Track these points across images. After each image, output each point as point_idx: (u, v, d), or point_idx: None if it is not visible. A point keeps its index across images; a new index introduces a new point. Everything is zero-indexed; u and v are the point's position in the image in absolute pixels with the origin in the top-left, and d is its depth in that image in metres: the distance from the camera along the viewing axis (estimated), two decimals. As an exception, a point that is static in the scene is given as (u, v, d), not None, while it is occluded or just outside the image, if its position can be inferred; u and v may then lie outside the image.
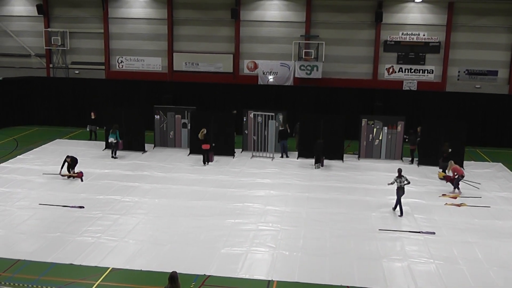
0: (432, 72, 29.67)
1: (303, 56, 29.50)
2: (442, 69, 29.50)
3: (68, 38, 31.31)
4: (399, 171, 16.53)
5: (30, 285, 11.58)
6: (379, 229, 15.12)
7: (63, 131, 28.27)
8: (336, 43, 29.80)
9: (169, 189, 18.39)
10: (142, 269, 12.38)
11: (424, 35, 29.34)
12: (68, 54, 31.97)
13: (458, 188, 18.73)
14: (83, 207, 16.33)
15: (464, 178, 19.01)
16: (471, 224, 15.80)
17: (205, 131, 21.66)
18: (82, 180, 19.11)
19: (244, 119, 24.05)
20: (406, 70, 29.84)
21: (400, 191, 16.36)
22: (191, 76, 30.65)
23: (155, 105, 25.31)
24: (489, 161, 23.79)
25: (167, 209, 16.38)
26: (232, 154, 23.27)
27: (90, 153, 23.12)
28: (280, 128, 23.28)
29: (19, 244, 13.61)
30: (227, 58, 30.70)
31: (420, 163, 22.52)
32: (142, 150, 23.66)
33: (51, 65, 32.11)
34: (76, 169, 19.49)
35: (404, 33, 29.47)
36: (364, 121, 23.37)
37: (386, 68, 29.96)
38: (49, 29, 31.48)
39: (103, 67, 31.79)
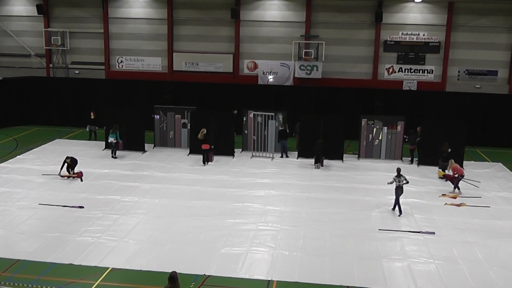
0: (432, 72, 29.67)
1: (303, 56, 29.52)
2: (442, 69, 29.51)
3: (68, 38, 31.32)
4: (398, 170, 16.55)
5: (30, 285, 11.58)
6: (379, 229, 15.12)
7: (63, 131, 28.27)
8: (336, 43, 29.81)
9: (169, 189, 18.39)
10: (142, 269, 12.37)
11: (424, 35, 29.35)
12: (68, 54, 31.98)
13: (458, 188, 18.74)
14: (83, 207, 16.33)
15: (464, 177, 19.02)
16: (471, 224, 15.80)
17: (205, 131, 21.66)
18: (82, 180, 19.10)
19: (244, 119, 24.05)
20: (406, 70, 29.85)
21: (399, 190, 16.39)
22: (191, 76, 30.66)
23: (155, 105, 25.31)
24: (489, 161, 23.79)
25: (167, 209, 16.38)
26: (232, 154, 23.27)
27: (90, 153, 23.12)
28: (280, 128, 23.28)
29: (19, 244, 13.61)
30: (227, 58, 30.71)
31: (420, 163, 22.52)
32: (142, 150, 23.66)
33: (51, 65, 32.13)
34: (76, 169, 19.49)
35: (404, 33, 29.49)
36: (364, 121, 23.37)
37: (386, 68, 29.97)
38: (49, 29, 31.49)
39: (103, 67, 31.80)
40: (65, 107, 29.76)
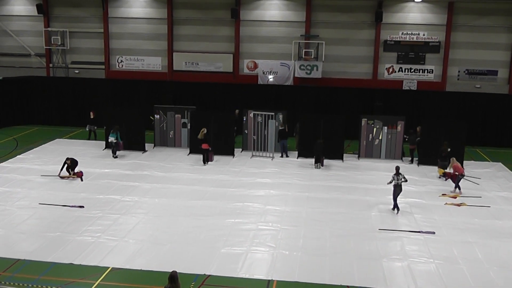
0: (432, 72, 29.66)
1: (303, 56, 29.50)
2: (442, 69, 29.50)
3: (68, 38, 31.29)
4: (397, 168, 16.59)
5: (30, 285, 11.58)
6: (379, 229, 15.12)
7: (63, 130, 28.28)
8: (336, 43, 29.80)
9: (169, 189, 18.39)
10: (142, 269, 12.37)
11: (424, 34, 29.34)
12: (68, 53, 31.96)
13: (459, 188, 18.74)
14: (83, 206, 16.33)
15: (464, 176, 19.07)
16: (471, 224, 15.80)
17: (205, 131, 21.66)
18: (82, 180, 19.11)
19: (244, 119, 24.06)
20: (406, 70, 29.84)
21: (397, 189, 16.43)
22: (191, 75, 30.65)
23: (155, 104, 25.31)
24: (489, 161, 23.80)
25: (167, 209, 16.38)
26: (232, 153, 23.26)
27: (90, 153, 23.12)
28: (280, 128, 23.29)
29: (19, 243, 13.61)
30: (227, 58, 30.70)
31: (420, 163, 22.52)
32: (142, 149, 23.66)
33: (51, 65, 32.11)
34: (76, 169, 19.48)
35: (404, 32, 29.47)
36: (364, 121, 23.38)
37: (386, 68, 29.96)
38: (49, 29, 31.47)
39: (103, 66, 31.78)
40: (65, 107, 29.77)
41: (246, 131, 24.15)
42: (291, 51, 29.63)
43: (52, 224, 14.89)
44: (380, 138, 23.38)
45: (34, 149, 23.75)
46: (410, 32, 29.41)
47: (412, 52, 29.55)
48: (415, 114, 26.70)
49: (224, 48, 30.72)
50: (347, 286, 11.86)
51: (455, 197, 18.22)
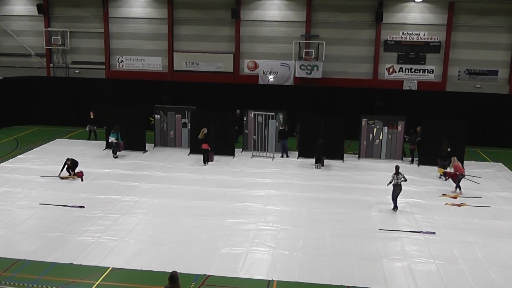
0: (433, 72, 29.67)
1: (303, 56, 29.51)
2: (442, 68, 29.50)
3: (68, 38, 31.32)
4: (397, 168, 16.62)
5: (30, 285, 11.59)
6: (379, 229, 15.11)
7: (63, 130, 28.28)
8: (336, 43, 29.80)
9: (169, 189, 18.39)
10: (142, 269, 12.37)
11: (424, 34, 29.34)
12: (69, 53, 31.98)
13: (460, 188, 18.73)
14: (83, 206, 16.33)
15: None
16: (471, 224, 15.80)
17: (205, 131, 21.65)
18: (82, 180, 19.11)
19: (245, 119, 24.06)
20: (407, 70, 29.84)
21: (397, 189, 16.45)
22: (191, 75, 30.65)
23: (155, 104, 25.31)
24: (489, 161, 23.78)
25: (167, 209, 16.38)
26: (232, 154, 23.26)
27: (90, 153, 23.12)
28: (280, 128, 23.29)
29: (19, 243, 13.61)
30: (227, 58, 30.70)
31: (420, 163, 22.51)
32: (143, 150, 23.66)
33: (51, 65, 32.13)
34: (76, 169, 19.48)
35: (405, 32, 29.48)
36: (364, 121, 23.36)
37: (386, 68, 29.97)
38: (49, 29, 31.49)
39: (103, 66, 31.80)
40: (65, 107, 29.77)
41: (246, 131, 24.15)
42: (291, 51, 29.64)
43: (52, 224, 14.89)
44: (380, 138, 23.37)
45: (35, 149, 23.75)
46: (411, 32, 29.41)
47: (412, 52, 29.56)
48: (416, 114, 26.68)
49: (225, 48, 30.73)
50: (347, 286, 11.86)
51: (456, 197, 18.21)
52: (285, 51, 30.06)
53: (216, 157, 22.47)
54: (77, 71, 32.01)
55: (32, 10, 31.44)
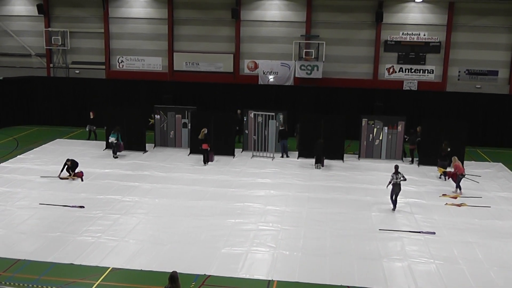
0: (433, 72, 29.66)
1: (304, 56, 29.51)
2: (442, 69, 29.50)
3: (68, 38, 31.31)
4: (396, 167, 16.65)
5: (30, 285, 11.59)
6: (379, 229, 15.12)
7: (63, 130, 28.28)
8: (337, 43, 29.80)
9: (170, 189, 18.39)
10: (142, 269, 12.37)
11: (424, 35, 29.34)
12: (69, 53, 31.98)
13: (460, 188, 18.74)
14: (83, 206, 16.33)
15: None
16: (471, 224, 15.80)
17: (205, 131, 21.66)
18: (82, 180, 19.11)
19: (245, 119, 24.07)
20: (407, 70, 29.84)
21: (396, 188, 16.47)
22: (191, 76, 30.65)
23: (155, 105, 25.31)
24: (489, 161, 23.78)
25: (168, 209, 16.38)
26: (232, 154, 23.27)
27: (90, 153, 23.12)
28: (281, 128, 23.29)
29: (19, 244, 13.61)
30: (227, 58, 30.71)
31: (420, 163, 22.51)
32: (143, 150, 23.66)
33: (51, 65, 32.12)
34: (77, 169, 19.47)
35: (405, 33, 29.47)
36: (364, 121, 23.36)
37: (386, 68, 29.96)
38: (49, 29, 31.49)
39: (103, 66, 31.80)
40: (65, 107, 29.78)
41: (246, 131, 24.16)
42: (291, 51, 29.64)
43: (52, 224, 14.89)
44: (380, 138, 23.37)
45: (35, 149, 23.75)
46: (411, 32, 29.41)
47: (412, 52, 29.56)
48: (416, 114, 26.68)
49: (225, 48, 30.73)
50: (347, 286, 11.86)
51: (456, 198, 18.22)
52: (285, 51, 30.05)
53: (216, 157, 22.47)
54: (77, 71, 32.01)
55: (32, 10, 31.44)
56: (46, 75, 31.92)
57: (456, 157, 19.25)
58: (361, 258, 13.24)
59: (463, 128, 22.22)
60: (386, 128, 23.27)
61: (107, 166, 21.07)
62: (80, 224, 14.95)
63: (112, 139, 22.30)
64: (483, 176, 20.87)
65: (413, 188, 18.89)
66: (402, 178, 16.46)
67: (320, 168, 21.66)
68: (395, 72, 29.92)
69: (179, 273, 9.82)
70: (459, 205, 17.41)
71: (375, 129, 23.35)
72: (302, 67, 29.59)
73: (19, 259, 12.70)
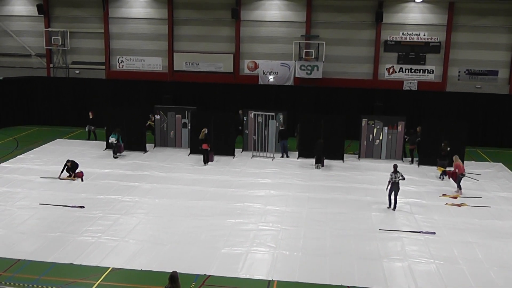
0: (433, 72, 29.66)
1: (304, 56, 29.50)
2: (442, 69, 29.49)
3: (68, 38, 31.30)
4: (395, 166, 16.68)
5: (30, 285, 11.59)
6: (379, 229, 15.12)
7: (64, 131, 28.29)
8: (337, 43, 29.80)
9: (170, 189, 18.40)
10: (142, 269, 12.38)
11: (424, 35, 29.33)
12: (69, 54, 31.97)
13: (460, 188, 18.74)
14: (84, 207, 16.34)
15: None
16: (471, 224, 15.80)
17: (206, 131, 21.67)
18: (82, 180, 19.11)
19: (245, 119, 24.07)
20: (407, 70, 29.83)
21: (394, 187, 16.48)
22: (191, 76, 30.65)
23: (155, 105, 25.32)
24: (489, 161, 23.79)
25: (168, 209, 16.38)
26: (232, 154, 23.27)
27: (90, 153, 23.13)
28: (281, 128, 23.29)
29: (20, 244, 13.61)
30: (227, 58, 30.70)
31: (420, 163, 22.51)
32: (143, 150, 23.66)
33: (51, 65, 32.12)
34: (77, 170, 19.47)
35: (405, 33, 29.47)
36: (364, 121, 23.37)
37: (386, 68, 29.96)
38: (49, 29, 31.48)
39: (103, 67, 31.79)
40: (65, 107, 29.80)
41: (246, 131, 24.16)
42: (291, 51, 29.63)
43: (52, 224, 14.89)
44: (380, 138, 23.38)
45: (35, 149, 23.76)
46: (411, 33, 29.40)
47: (412, 52, 29.55)
48: (416, 114, 26.70)
49: (225, 49, 30.72)
50: (347, 286, 11.86)
51: (456, 198, 18.21)
52: (285, 52, 30.05)
53: (216, 157, 22.48)
54: (77, 71, 32.00)
55: (32, 10, 31.43)
56: (46, 75, 31.92)
57: (457, 156, 19.25)
58: (361, 258, 13.24)
59: (463, 128, 22.23)
60: (386, 128, 23.27)
61: (107, 166, 21.07)
62: (80, 224, 14.95)
63: (112, 139, 22.31)
64: (483, 176, 20.88)
65: (413, 188, 18.90)
66: (400, 177, 16.49)
67: (320, 168, 21.67)
68: (395, 72, 29.91)
69: (179, 273, 9.83)
70: (459, 205, 17.42)
71: (375, 129, 23.35)
72: (302, 67, 29.59)
73: (19, 259, 12.70)
